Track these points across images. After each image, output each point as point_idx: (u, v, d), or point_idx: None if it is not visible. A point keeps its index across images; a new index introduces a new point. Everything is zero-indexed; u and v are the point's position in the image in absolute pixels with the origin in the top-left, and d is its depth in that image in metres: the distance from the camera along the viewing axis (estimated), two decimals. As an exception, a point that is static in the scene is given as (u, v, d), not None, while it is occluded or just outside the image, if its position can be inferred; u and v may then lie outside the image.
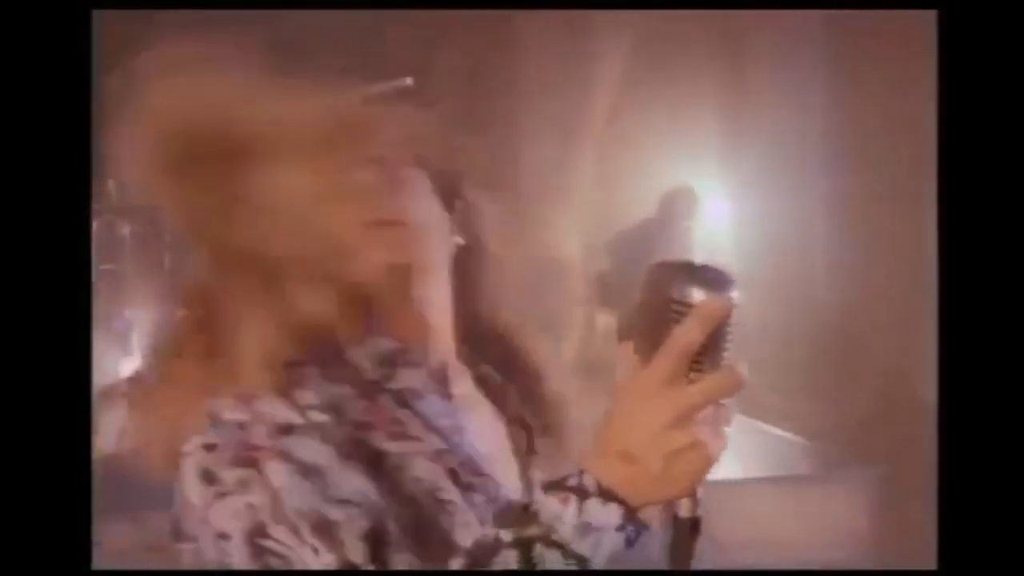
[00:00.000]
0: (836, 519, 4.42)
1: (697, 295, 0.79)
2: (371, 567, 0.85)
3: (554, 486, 0.83)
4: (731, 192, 6.02)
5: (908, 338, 4.93)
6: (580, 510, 0.81)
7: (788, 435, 5.62)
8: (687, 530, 0.84)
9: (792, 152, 6.44)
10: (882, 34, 5.05)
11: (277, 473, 0.85)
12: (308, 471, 0.86)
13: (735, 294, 0.80)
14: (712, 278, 0.80)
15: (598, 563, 0.81)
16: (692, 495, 0.83)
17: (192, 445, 0.89)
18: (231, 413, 0.89)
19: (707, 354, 0.80)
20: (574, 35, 6.91)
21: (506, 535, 0.82)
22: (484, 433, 1.04)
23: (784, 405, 5.66)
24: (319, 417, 0.90)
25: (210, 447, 0.88)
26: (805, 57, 6.26)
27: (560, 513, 0.81)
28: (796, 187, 6.42)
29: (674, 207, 5.55)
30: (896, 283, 5.37)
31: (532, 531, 0.81)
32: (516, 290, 1.14)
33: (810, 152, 6.46)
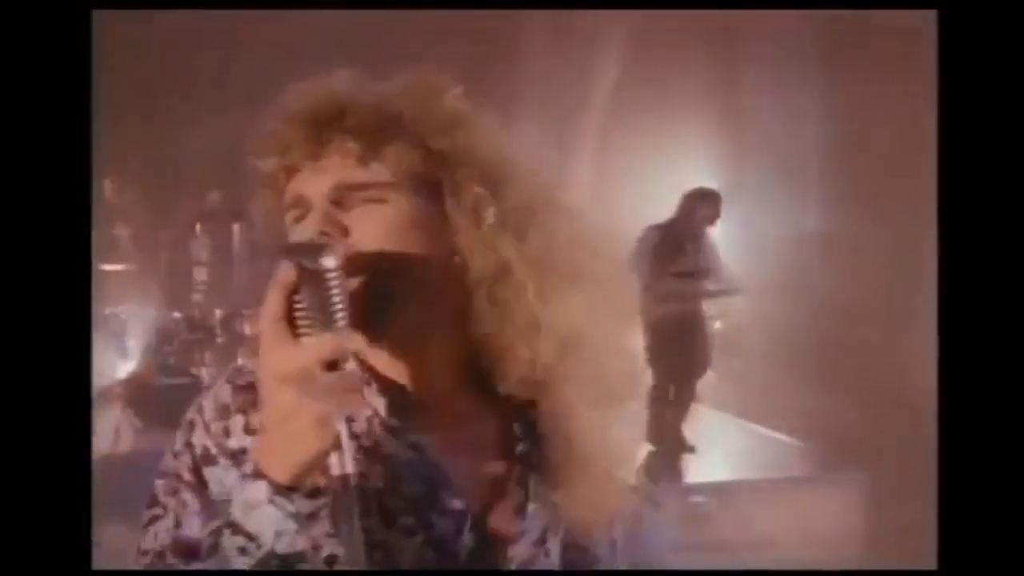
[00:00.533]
0: (836, 519, 4.42)
1: (283, 267, 0.84)
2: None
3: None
4: (728, 193, 5.99)
5: (906, 338, 4.93)
6: (242, 488, 0.83)
7: (787, 437, 5.62)
8: (342, 488, 0.82)
9: (790, 153, 6.45)
10: (882, 34, 5.05)
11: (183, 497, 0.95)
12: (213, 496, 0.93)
13: (326, 262, 0.83)
14: (299, 252, 0.85)
15: (266, 540, 0.81)
16: (324, 453, 0.82)
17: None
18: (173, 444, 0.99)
19: (310, 317, 0.83)
20: (573, 35, 6.92)
21: (208, 526, 0.85)
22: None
23: (783, 407, 5.66)
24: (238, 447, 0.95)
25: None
26: (804, 58, 6.27)
27: (233, 494, 0.83)
28: (793, 188, 6.43)
29: (695, 208, 5.29)
30: (895, 284, 5.37)
31: (223, 518, 0.83)
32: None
33: (808, 153, 6.47)
